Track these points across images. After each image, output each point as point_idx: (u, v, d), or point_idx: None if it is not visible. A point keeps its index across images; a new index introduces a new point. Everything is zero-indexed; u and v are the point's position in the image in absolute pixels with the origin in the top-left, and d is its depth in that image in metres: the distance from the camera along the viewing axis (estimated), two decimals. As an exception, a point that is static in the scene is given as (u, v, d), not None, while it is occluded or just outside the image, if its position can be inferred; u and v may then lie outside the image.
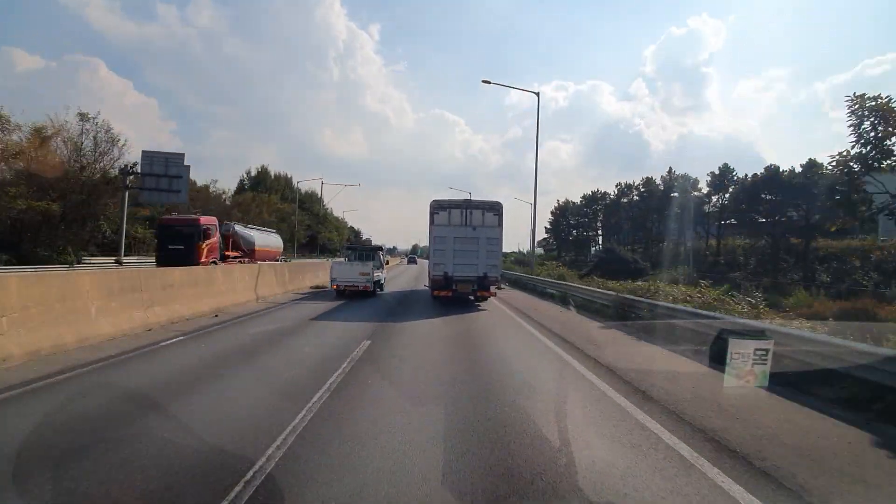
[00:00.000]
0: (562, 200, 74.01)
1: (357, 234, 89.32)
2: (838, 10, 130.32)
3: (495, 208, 13.38)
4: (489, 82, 24.80)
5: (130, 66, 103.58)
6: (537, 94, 24.66)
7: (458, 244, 13.01)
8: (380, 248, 18.82)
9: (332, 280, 14.59)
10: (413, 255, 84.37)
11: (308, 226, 56.74)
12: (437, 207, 13.29)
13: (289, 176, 63.24)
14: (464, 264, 12.93)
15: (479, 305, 13.23)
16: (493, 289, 13.29)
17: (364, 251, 18.00)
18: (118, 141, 27.09)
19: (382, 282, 17.01)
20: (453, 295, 13.00)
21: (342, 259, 18.76)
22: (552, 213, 73.52)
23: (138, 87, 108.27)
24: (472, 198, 13.58)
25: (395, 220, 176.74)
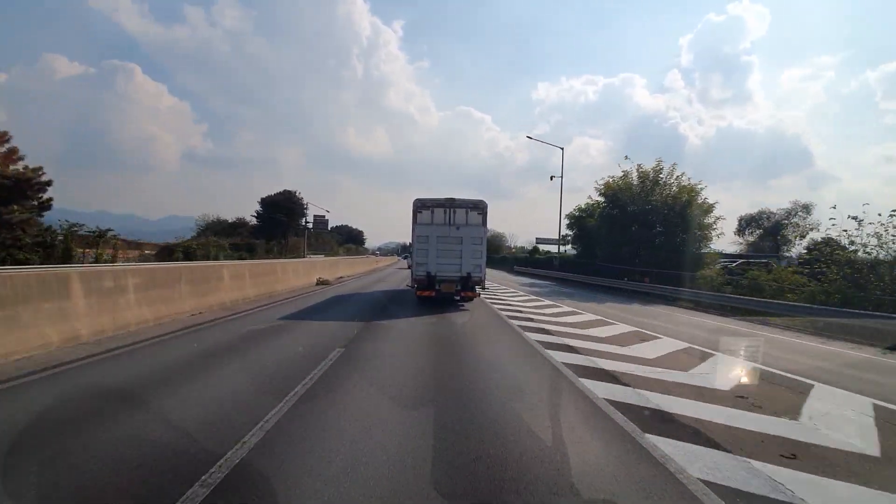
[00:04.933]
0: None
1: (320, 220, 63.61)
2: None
3: (479, 207, 13.21)
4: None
5: (164, 70, 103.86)
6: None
7: (441, 243, 12.91)
8: None
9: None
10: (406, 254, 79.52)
11: None
12: (420, 206, 13.12)
13: None
14: (447, 264, 12.83)
15: (461, 305, 13.10)
16: (477, 289, 13.17)
17: None
18: None
19: None
20: (437, 295, 12.87)
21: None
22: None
23: (172, 91, 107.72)
24: (456, 196, 13.37)
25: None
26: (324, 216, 57.10)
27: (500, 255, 61.12)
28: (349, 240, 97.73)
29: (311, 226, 55.70)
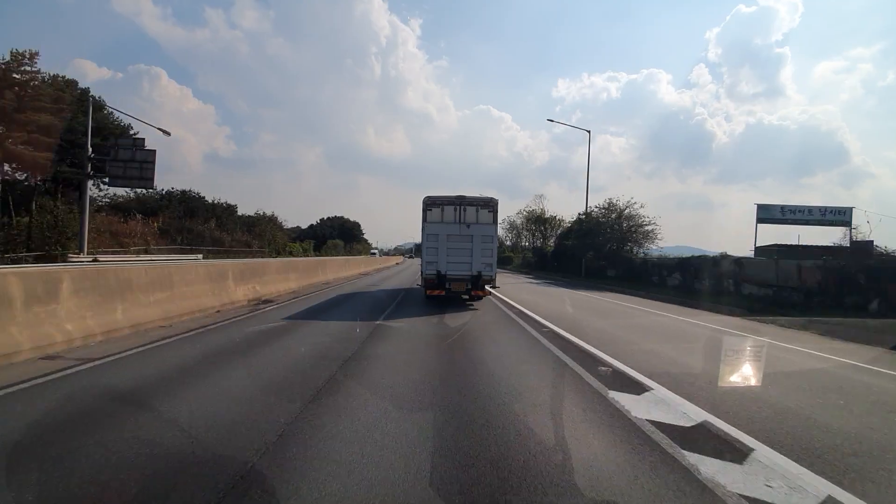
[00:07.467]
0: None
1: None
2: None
3: (490, 205, 13.04)
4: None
5: (188, 73, 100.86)
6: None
7: (452, 242, 12.74)
8: None
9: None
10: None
11: None
12: (430, 204, 12.91)
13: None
14: (457, 263, 12.67)
15: (471, 305, 12.96)
16: (487, 287, 13.06)
17: None
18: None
19: None
20: (447, 294, 12.72)
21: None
22: None
23: (197, 95, 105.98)
24: (466, 194, 13.18)
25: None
26: (142, 141, 26.56)
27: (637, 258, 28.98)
28: (342, 234, 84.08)
29: (106, 164, 25.25)
